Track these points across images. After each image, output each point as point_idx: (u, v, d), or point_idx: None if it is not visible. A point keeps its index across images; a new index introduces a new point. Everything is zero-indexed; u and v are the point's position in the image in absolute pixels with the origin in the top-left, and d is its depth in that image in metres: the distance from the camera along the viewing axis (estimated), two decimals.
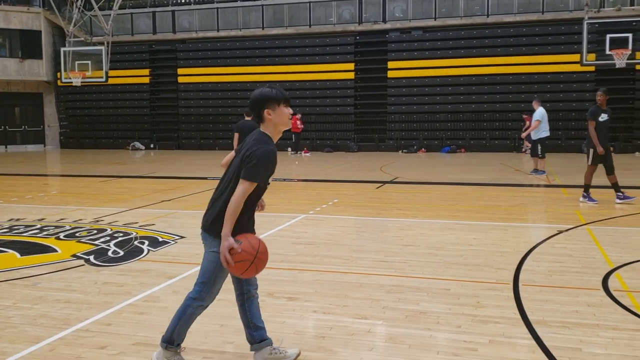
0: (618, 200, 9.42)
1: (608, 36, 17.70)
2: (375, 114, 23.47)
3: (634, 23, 18.34)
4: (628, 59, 17.65)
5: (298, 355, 3.60)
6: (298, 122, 22.09)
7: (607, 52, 17.63)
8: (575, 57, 19.65)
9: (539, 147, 13.64)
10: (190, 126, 26.18)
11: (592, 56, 18.67)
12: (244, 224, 3.27)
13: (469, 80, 22.27)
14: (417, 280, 5.25)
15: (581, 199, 9.69)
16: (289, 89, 24.17)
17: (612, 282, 5.12)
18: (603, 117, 9.44)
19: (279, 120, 3.33)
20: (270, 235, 7.35)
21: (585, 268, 5.62)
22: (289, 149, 22.48)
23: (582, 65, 18.89)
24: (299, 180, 13.66)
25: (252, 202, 3.29)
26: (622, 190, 9.56)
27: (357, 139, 23.30)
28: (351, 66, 23.81)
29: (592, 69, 20.19)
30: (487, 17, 22.72)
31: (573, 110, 20.98)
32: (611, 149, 9.89)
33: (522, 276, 5.37)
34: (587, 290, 4.92)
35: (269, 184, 3.36)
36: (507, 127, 21.47)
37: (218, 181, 3.45)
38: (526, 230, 7.83)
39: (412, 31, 23.63)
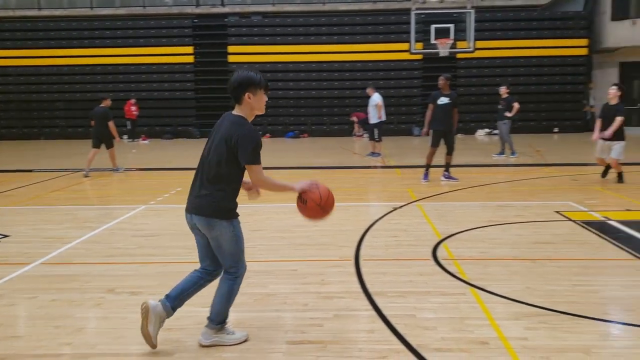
0: (443, 178, 10.28)
1: (432, 26, 19.18)
2: (217, 99, 23.12)
3: (455, 14, 20.07)
4: (450, 48, 19.29)
5: (246, 338, 3.69)
6: (133, 108, 21.04)
7: (432, 41, 19.11)
8: (405, 46, 21.03)
9: (376, 132, 14.46)
10: (9, 114, 23.64)
11: (420, 45, 20.11)
12: (236, 203, 3.50)
13: (309, 66, 22.81)
14: (265, 264, 5.31)
15: (442, 178, 10.26)
16: (123, 73, 22.95)
17: (440, 252, 5.61)
18: (442, 100, 9.99)
19: (258, 105, 3.48)
20: (107, 229, 6.95)
21: (417, 241, 6.09)
22: (125, 137, 21.24)
23: (411, 53, 20.26)
24: (137, 170, 13.03)
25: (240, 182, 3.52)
26: (449, 170, 10.37)
27: (199, 125, 22.82)
28: (190, 50, 23.13)
29: (420, 57, 21.75)
30: (324, 4, 23.42)
31: (403, 97, 22.50)
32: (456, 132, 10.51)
33: (362, 252, 5.67)
34: (419, 261, 5.34)
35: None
36: (345, 113, 22.38)
37: None
38: (365, 209, 8.28)
39: (251, 16, 23.59)
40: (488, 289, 4.51)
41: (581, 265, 5.19)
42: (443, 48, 18.92)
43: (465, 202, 8.45)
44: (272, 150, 17.86)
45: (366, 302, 4.30)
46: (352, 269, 5.13)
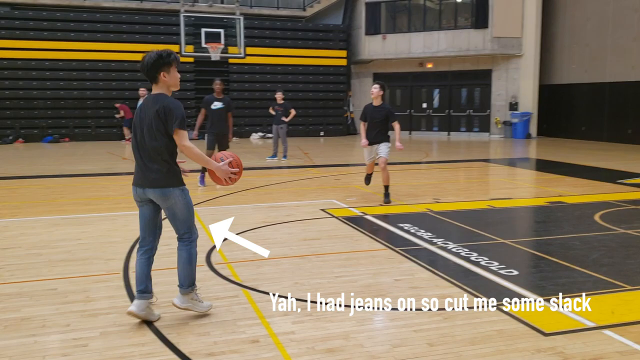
0: (199, 184, 10.09)
1: (203, 30, 19.19)
2: None
3: (225, 20, 20.35)
4: (222, 53, 19.50)
5: (209, 308, 4.18)
6: None
7: (203, 44, 19.11)
8: (175, 48, 20.64)
9: None
10: None
11: (191, 48, 19.95)
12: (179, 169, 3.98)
13: (69, 64, 21.03)
14: (17, 286, 4.75)
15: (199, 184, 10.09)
16: None
17: (215, 257, 5.63)
18: (216, 105, 9.94)
19: (173, 82, 3.92)
20: None
21: None
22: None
23: (182, 55, 19.98)
24: None
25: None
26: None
27: None
28: None
29: (192, 60, 21.57)
30: (84, 0, 21.84)
31: (176, 99, 22.07)
32: (230, 137, 10.30)
33: (132, 264, 5.41)
34: None
35: None
36: (113, 115, 21.14)
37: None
38: (134, 217, 7.89)
39: None
40: (260, 289, 4.66)
41: (342, 258, 5.65)
42: (214, 52, 19.07)
43: (240, 205, 8.61)
44: (27, 157, 16.12)
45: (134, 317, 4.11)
46: (121, 283, 4.87)
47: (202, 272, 5.14)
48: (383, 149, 8.61)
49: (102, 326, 3.91)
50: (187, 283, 4.04)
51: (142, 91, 14.08)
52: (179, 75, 3.98)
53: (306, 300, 4.38)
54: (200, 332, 3.81)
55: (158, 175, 3.85)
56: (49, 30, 20.83)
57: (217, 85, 10.09)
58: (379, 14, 24.34)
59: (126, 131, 20.48)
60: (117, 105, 20.49)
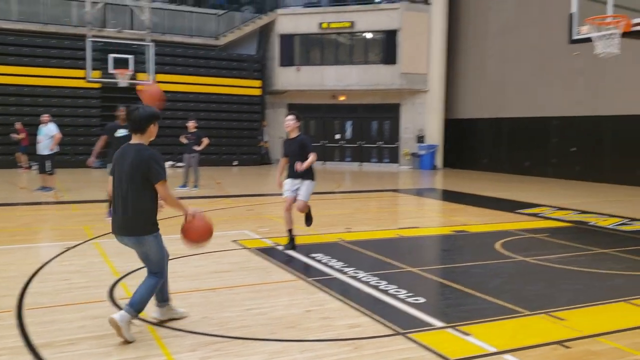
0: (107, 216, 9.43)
1: (110, 56, 18.62)
2: None
3: (135, 46, 19.87)
4: (130, 79, 18.97)
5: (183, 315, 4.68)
6: None
7: (110, 70, 18.52)
8: (81, 73, 19.86)
9: (48, 164, 13.15)
10: None
11: (98, 73, 19.26)
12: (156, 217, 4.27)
13: None
14: None
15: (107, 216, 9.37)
16: None
17: (118, 291, 5.36)
18: (121, 132, 9.28)
19: (155, 133, 4.27)
20: None
21: (93, 282, 5.71)
22: None
23: (87, 81, 19.28)
24: None
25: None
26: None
27: None
28: None
29: (98, 85, 20.81)
30: None
31: (80, 126, 21.13)
32: None
33: (26, 300, 5.05)
34: (94, 304, 5.01)
35: None
36: (8, 142, 19.78)
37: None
38: (34, 250, 7.43)
39: None
40: (167, 325, 4.47)
41: (254, 290, 5.56)
42: (122, 78, 18.54)
43: None
44: None
45: (30, 357, 3.82)
46: (13, 321, 4.51)
47: (103, 308, 4.88)
48: (303, 191, 7.37)
49: None
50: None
51: (45, 117, 13.34)
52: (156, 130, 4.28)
53: (215, 335, 4.25)
54: None
55: (133, 223, 4.13)
56: None
57: (122, 112, 9.63)
58: (293, 46, 24.74)
59: (22, 158, 19.24)
60: (18, 126, 19.13)
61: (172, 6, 24.23)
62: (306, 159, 7.25)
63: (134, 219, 4.11)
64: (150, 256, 4.25)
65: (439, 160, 23.83)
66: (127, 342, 4.06)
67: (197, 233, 4.39)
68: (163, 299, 4.55)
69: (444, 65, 23.68)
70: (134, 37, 20.50)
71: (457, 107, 24.22)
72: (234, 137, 24.24)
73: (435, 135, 23.79)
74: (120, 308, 4.86)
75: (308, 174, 7.40)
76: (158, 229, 4.25)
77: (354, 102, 24.65)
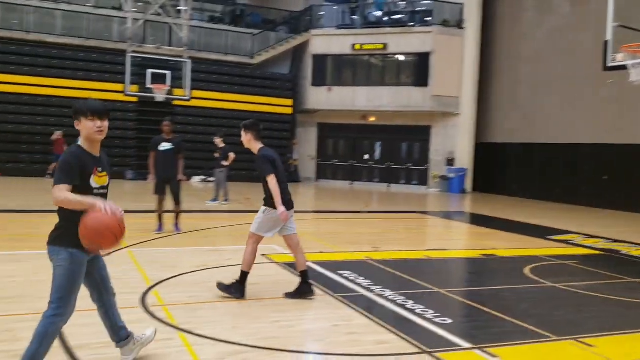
0: (176, 230, 9.61)
1: (149, 71, 19.13)
2: None
3: (172, 62, 20.39)
4: (167, 94, 19.44)
5: (155, 332, 4.12)
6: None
7: (148, 85, 19.01)
8: (119, 87, 20.44)
9: None
10: None
11: (135, 87, 19.80)
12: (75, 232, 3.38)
13: (5, 98, 20.39)
14: None
15: (174, 229, 9.61)
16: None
17: (150, 299, 5.51)
18: (164, 146, 9.45)
19: (85, 132, 3.53)
20: None
21: (125, 288, 5.85)
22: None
23: (125, 95, 19.81)
24: None
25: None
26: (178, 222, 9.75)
27: None
28: None
29: (135, 99, 21.37)
30: (28, 33, 21.42)
31: (117, 138, 21.67)
32: (184, 178, 9.88)
33: None
34: (127, 309, 5.12)
35: (101, 187, 3.60)
36: (48, 151, 20.42)
37: None
38: None
39: None
40: (195, 332, 4.59)
41: (282, 303, 5.65)
42: (159, 93, 18.98)
43: (178, 247, 8.49)
44: None
45: (65, 358, 3.97)
46: None
47: (136, 314, 5.02)
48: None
49: None
50: None
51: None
52: (91, 125, 3.51)
53: (244, 344, 4.34)
54: None
55: (54, 231, 3.57)
56: None
57: (166, 125, 9.66)
58: (326, 67, 25.03)
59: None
60: (56, 136, 19.84)
61: (210, 25, 24.84)
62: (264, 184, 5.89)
63: (56, 226, 3.58)
64: (56, 278, 3.54)
65: (468, 183, 23.68)
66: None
67: (89, 225, 3.34)
68: (119, 338, 3.95)
69: (476, 88, 23.64)
70: (172, 53, 21.02)
71: (488, 131, 24.10)
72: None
73: (465, 158, 23.69)
74: (152, 315, 5.00)
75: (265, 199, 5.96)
76: (77, 247, 3.47)
77: (385, 123, 24.74)
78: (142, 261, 7.16)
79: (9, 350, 4.02)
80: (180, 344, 4.32)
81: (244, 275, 5.80)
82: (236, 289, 5.73)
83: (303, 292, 5.83)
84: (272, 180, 5.72)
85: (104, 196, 3.62)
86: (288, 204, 5.83)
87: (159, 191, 9.55)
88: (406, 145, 25.13)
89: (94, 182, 3.55)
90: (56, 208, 3.52)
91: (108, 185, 3.72)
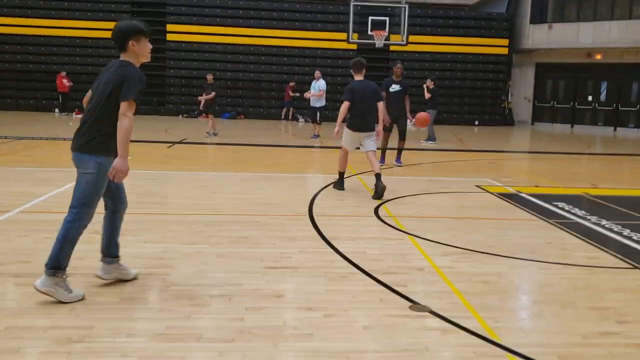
0: (395, 163, 10.53)
1: (370, 18, 20.21)
2: (154, 76, 23.16)
3: (389, 9, 21.21)
4: (385, 40, 20.41)
5: (136, 276, 4.02)
6: (65, 81, 21.01)
7: (369, 32, 20.14)
8: (341, 35, 21.96)
9: (318, 115, 15.34)
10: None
11: (356, 35, 21.11)
12: (110, 144, 3.55)
13: (247, 49, 23.28)
14: (229, 216, 6.02)
15: (395, 163, 10.46)
16: (56, 45, 22.54)
17: (381, 212, 6.53)
18: (394, 87, 10.28)
19: (142, 52, 3.70)
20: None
21: (361, 203, 6.99)
22: (56, 110, 21.37)
23: (349, 42, 21.24)
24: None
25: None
26: (400, 156, 10.66)
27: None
28: None
29: (354, 47, 22.75)
30: None
31: (338, 84, 23.41)
32: (410, 118, 10.62)
33: (315, 210, 6.50)
34: (363, 217, 6.24)
35: None
36: (282, 97, 23.04)
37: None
38: (312, 179, 9.11)
39: None
40: (422, 236, 5.46)
41: (496, 223, 6.26)
42: (378, 40, 19.97)
43: (399, 176, 9.45)
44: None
45: (324, 244, 5.13)
46: (308, 221, 5.94)
47: (371, 220, 6.08)
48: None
49: (299, 247, 4.97)
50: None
51: (317, 74, 15.63)
52: (149, 46, 3.74)
53: (464, 248, 5.10)
54: (376, 259, 4.69)
55: (84, 139, 3.58)
56: (232, 18, 23.24)
57: (398, 69, 10.39)
58: (546, 3, 23.63)
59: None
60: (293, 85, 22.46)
61: None
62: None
63: (86, 134, 3.57)
64: (79, 184, 3.59)
65: None
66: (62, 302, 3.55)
67: None
68: (109, 253, 3.91)
69: None
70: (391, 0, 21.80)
71: None
72: (476, 97, 24.36)
73: None
74: (385, 222, 6.01)
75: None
76: (108, 155, 3.57)
77: (612, 62, 22.71)
78: (371, 185, 8.24)
79: (283, 236, 5.31)
80: (410, 244, 5.23)
81: (341, 174, 7.93)
82: (338, 184, 7.89)
83: (378, 188, 7.23)
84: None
85: None
86: (355, 125, 7.79)
87: (386, 129, 10.31)
88: (637, 85, 22.83)
89: None
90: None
91: None
